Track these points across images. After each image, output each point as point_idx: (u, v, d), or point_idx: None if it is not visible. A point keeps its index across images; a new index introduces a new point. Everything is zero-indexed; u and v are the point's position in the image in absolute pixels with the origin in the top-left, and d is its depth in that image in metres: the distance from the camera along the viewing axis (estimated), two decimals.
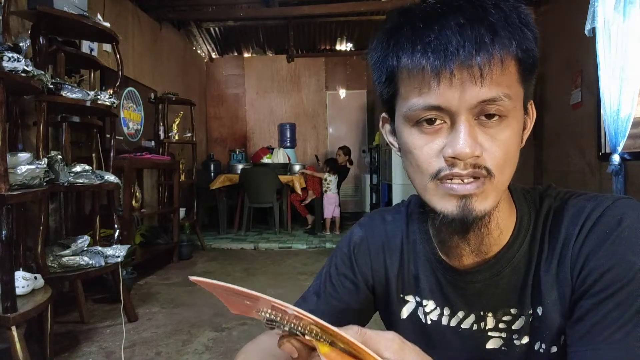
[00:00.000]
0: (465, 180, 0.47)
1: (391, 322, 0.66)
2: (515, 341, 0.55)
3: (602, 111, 2.81)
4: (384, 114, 0.57)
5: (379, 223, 0.68)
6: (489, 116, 0.46)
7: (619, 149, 2.65)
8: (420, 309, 0.62)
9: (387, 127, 0.57)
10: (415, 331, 0.63)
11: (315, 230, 5.35)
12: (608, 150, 2.86)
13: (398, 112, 0.51)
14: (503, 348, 0.56)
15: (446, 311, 0.60)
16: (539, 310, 0.53)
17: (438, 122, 0.47)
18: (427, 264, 0.62)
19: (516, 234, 0.55)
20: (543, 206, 0.56)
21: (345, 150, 5.69)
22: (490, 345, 0.57)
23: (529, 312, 0.54)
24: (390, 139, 0.57)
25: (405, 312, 0.64)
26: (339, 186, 5.43)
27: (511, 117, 0.47)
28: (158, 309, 2.73)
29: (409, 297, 0.64)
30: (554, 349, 0.53)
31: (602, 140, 3.18)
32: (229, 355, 2.06)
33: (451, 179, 0.47)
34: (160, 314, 2.64)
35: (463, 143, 0.45)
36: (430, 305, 0.62)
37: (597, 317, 0.46)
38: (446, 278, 0.59)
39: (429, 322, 0.62)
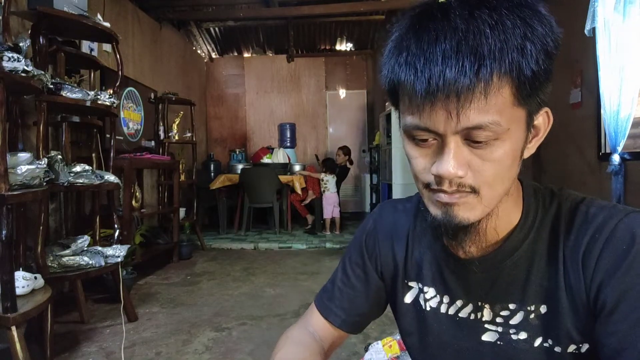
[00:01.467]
0: (449, 191, 0.49)
1: (396, 307, 0.69)
2: (512, 336, 0.56)
3: (602, 111, 2.81)
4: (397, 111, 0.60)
5: (389, 212, 0.72)
6: (478, 141, 0.46)
7: (619, 149, 2.65)
8: (422, 295, 0.64)
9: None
10: (416, 317, 0.65)
11: (315, 230, 5.35)
12: (608, 150, 2.86)
13: (400, 121, 0.53)
14: (499, 342, 0.57)
15: (445, 299, 0.62)
16: (542, 309, 0.54)
17: (430, 140, 0.49)
18: (431, 252, 0.64)
19: (519, 230, 0.56)
20: (552, 206, 0.56)
21: (345, 150, 5.69)
22: (485, 337, 0.58)
23: (530, 309, 0.55)
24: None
25: (408, 298, 0.66)
26: (338, 186, 5.42)
27: (503, 139, 0.46)
28: (158, 309, 2.73)
29: (412, 284, 0.66)
30: (558, 349, 0.53)
31: (602, 140, 3.18)
32: (229, 355, 2.06)
33: (439, 192, 0.50)
34: (160, 314, 2.64)
35: (447, 165, 0.47)
36: (430, 292, 0.63)
37: (627, 336, 0.46)
38: (448, 265, 0.61)
39: (427, 308, 0.63)
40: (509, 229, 0.56)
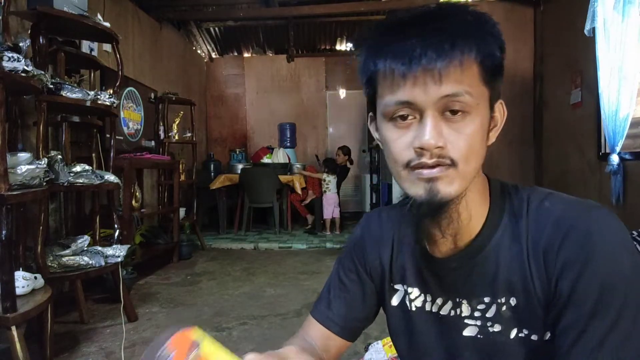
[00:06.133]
0: (430, 163, 0.52)
1: (385, 310, 0.73)
2: (489, 328, 0.58)
3: (601, 111, 2.81)
4: (370, 113, 0.63)
5: (375, 220, 0.76)
6: (454, 112, 0.51)
7: (618, 148, 2.65)
8: (407, 296, 0.67)
9: (373, 124, 0.63)
10: (403, 317, 0.68)
11: (315, 230, 5.35)
12: (608, 150, 2.86)
13: (378, 110, 0.57)
14: (479, 336, 0.59)
15: (428, 298, 0.65)
16: (512, 301, 0.56)
17: (409, 117, 0.53)
18: (412, 253, 0.67)
19: (488, 225, 0.59)
20: (518, 202, 0.59)
21: (345, 150, 5.68)
22: (466, 332, 0.60)
23: (500, 301, 0.57)
24: (376, 134, 0.63)
25: (395, 300, 0.69)
26: (338, 186, 5.42)
27: (474, 114, 0.52)
28: (158, 309, 2.73)
29: (398, 286, 0.69)
30: (534, 337, 0.55)
31: (602, 140, 3.18)
32: None
33: (421, 168, 0.53)
34: (160, 314, 2.64)
35: (428, 135, 0.50)
36: (415, 292, 0.66)
37: (578, 327, 0.49)
38: (426, 265, 0.64)
39: (413, 308, 0.66)
40: (478, 225, 0.59)
